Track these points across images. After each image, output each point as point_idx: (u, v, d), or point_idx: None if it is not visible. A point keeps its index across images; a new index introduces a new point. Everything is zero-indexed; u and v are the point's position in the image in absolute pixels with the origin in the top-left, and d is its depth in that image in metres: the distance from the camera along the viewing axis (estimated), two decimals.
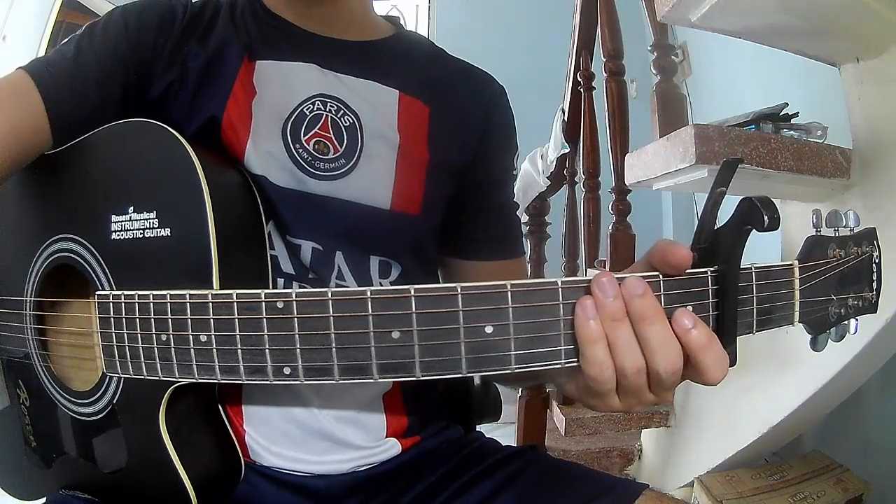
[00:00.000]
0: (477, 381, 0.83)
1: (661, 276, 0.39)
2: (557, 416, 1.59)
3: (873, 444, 1.33)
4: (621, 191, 1.51)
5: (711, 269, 0.39)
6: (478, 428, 0.77)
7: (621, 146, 1.52)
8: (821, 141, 1.00)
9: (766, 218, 0.37)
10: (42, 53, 2.30)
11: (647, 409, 1.55)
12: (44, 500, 0.60)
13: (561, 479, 0.61)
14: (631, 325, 0.38)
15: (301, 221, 0.58)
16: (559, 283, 0.38)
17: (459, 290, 0.38)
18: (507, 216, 0.72)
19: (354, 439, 0.60)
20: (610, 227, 1.53)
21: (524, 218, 2.05)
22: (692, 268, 0.39)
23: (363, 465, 0.61)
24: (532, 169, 2.01)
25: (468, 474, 0.62)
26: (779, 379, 1.14)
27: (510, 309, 0.38)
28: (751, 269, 0.40)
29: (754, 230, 0.38)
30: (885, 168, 0.93)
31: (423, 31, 3.37)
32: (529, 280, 0.38)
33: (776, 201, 1.16)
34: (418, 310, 0.38)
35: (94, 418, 0.54)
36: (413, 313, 0.38)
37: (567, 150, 1.93)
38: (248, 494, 0.58)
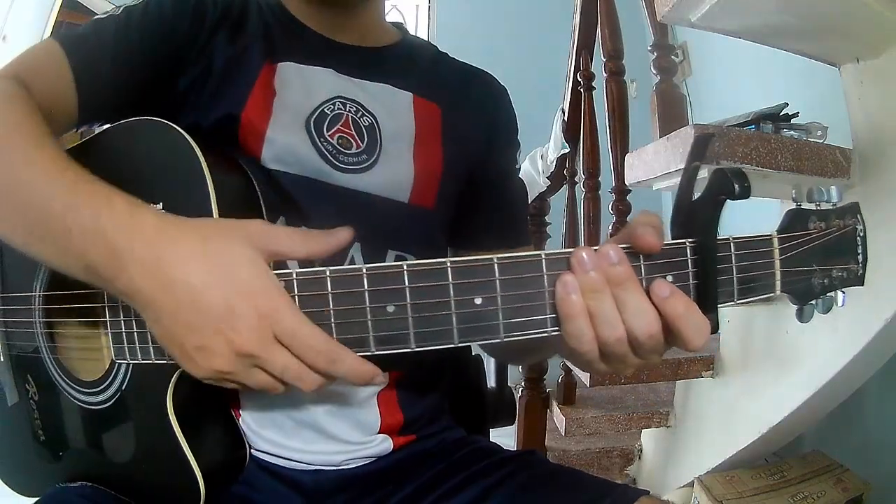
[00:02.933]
0: (491, 382, 0.83)
1: None
2: (557, 417, 1.59)
3: (873, 444, 1.33)
4: (621, 191, 1.51)
5: (690, 240, 0.41)
6: None
7: (621, 146, 1.52)
8: (821, 141, 1.00)
9: (736, 186, 0.39)
10: None
11: (647, 409, 1.55)
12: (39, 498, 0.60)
13: (556, 483, 0.60)
14: (611, 296, 0.39)
15: (322, 212, 0.59)
16: (542, 256, 0.40)
17: (449, 264, 0.40)
18: (515, 207, 0.75)
19: (344, 434, 0.61)
20: (610, 227, 1.53)
21: None
22: (672, 239, 0.41)
23: (351, 460, 0.61)
24: (532, 169, 2.01)
25: (460, 476, 0.61)
26: (779, 379, 1.14)
27: (497, 281, 0.40)
28: (729, 240, 0.42)
29: (728, 200, 0.39)
30: (885, 168, 0.93)
31: (423, 31, 3.37)
32: (515, 253, 0.41)
33: (776, 201, 1.16)
34: (411, 284, 0.40)
35: (103, 406, 0.55)
36: (406, 287, 0.40)
37: (567, 150, 1.92)
38: (241, 482, 0.59)
